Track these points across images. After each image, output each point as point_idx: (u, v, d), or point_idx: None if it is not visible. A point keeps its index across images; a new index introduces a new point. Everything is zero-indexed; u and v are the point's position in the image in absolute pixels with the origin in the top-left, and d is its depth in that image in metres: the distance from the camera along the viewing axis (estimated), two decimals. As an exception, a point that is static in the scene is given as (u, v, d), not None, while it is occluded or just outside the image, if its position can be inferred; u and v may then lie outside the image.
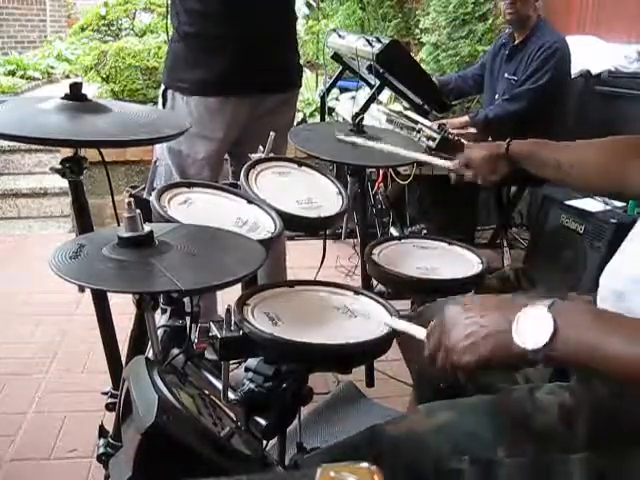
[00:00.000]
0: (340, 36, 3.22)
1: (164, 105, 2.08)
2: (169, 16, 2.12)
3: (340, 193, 1.50)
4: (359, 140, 1.58)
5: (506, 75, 3.15)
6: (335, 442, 1.05)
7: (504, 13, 3.17)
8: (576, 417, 0.91)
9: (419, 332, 0.96)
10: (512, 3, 3.04)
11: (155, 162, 1.53)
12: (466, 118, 3.15)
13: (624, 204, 2.43)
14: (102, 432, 1.35)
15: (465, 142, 2.73)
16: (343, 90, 3.90)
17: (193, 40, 2.01)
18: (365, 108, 2.80)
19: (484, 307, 0.86)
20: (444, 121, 3.01)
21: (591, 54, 3.52)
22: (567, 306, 0.81)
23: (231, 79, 2.00)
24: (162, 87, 2.11)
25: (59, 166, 1.42)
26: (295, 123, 2.36)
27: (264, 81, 2.04)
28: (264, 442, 1.14)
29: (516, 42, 3.13)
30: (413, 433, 0.95)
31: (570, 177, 1.27)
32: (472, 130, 3.10)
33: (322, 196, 1.47)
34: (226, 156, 2.22)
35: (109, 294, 1.49)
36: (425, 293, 1.46)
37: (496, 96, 3.20)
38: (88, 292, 1.48)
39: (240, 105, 2.04)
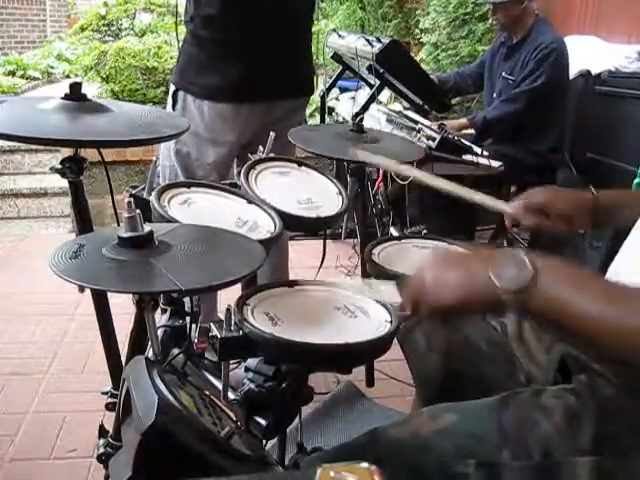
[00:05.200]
0: (340, 36, 3.22)
1: (174, 107, 2.05)
2: (174, 17, 2.11)
3: (340, 193, 1.49)
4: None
5: (503, 74, 3.15)
6: (335, 446, 1.05)
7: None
8: (581, 419, 0.90)
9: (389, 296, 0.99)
10: (494, 13, 3.15)
11: (155, 162, 1.52)
12: (465, 120, 3.15)
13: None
14: (102, 432, 1.35)
15: (466, 142, 2.74)
16: (343, 90, 3.90)
17: (208, 45, 1.99)
18: (365, 108, 2.80)
19: (463, 256, 0.90)
20: (444, 122, 3.02)
21: (591, 54, 3.52)
22: (545, 258, 0.82)
23: (245, 86, 1.99)
24: (172, 88, 2.08)
25: (59, 166, 1.42)
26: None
27: (277, 88, 2.03)
28: (264, 442, 1.14)
29: (514, 42, 3.14)
30: (416, 436, 0.94)
31: None
32: (471, 131, 3.10)
33: (322, 196, 1.46)
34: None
35: (109, 294, 1.49)
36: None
37: (494, 94, 3.21)
38: (88, 292, 1.47)
39: (253, 112, 2.02)
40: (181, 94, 2.04)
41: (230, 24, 1.96)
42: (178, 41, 2.11)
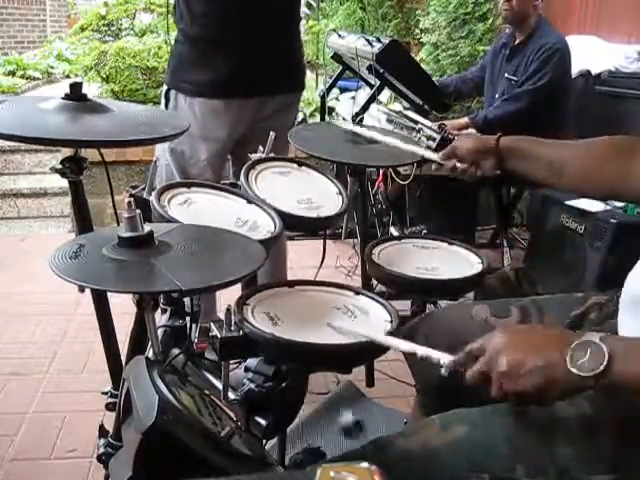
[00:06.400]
0: (340, 36, 3.22)
1: (166, 106, 2.07)
2: (172, 17, 2.13)
3: (340, 193, 1.49)
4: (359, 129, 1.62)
5: (506, 75, 3.14)
6: (337, 455, 1.04)
7: (501, 10, 3.21)
8: (598, 430, 0.87)
9: (437, 355, 0.93)
10: (508, 0, 3.06)
11: (155, 162, 1.53)
12: (466, 119, 3.15)
13: (624, 204, 2.43)
14: (102, 432, 1.35)
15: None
16: (343, 90, 3.90)
17: (198, 42, 2.00)
18: (365, 108, 2.80)
19: (534, 340, 0.86)
20: (445, 122, 3.01)
21: (591, 54, 3.52)
22: (619, 338, 0.82)
23: (236, 81, 2.00)
24: (164, 87, 2.10)
25: (59, 166, 1.42)
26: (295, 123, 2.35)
27: (268, 83, 2.04)
28: (264, 442, 1.14)
29: (517, 42, 3.13)
30: (426, 447, 0.92)
31: (560, 177, 1.21)
32: (472, 131, 3.10)
33: (322, 196, 1.46)
34: (228, 156, 2.22)
35: (109, 294, 1.49)
36: (425, 293, 1.46)
37: (496, 96, 3.20)
38: (88, 292, 1.47)
39: (244, 107, 2.04)
40: (172, 93, 2.06)
41: (220, 22, 1.97)
42: (175, 40, 2.11)
